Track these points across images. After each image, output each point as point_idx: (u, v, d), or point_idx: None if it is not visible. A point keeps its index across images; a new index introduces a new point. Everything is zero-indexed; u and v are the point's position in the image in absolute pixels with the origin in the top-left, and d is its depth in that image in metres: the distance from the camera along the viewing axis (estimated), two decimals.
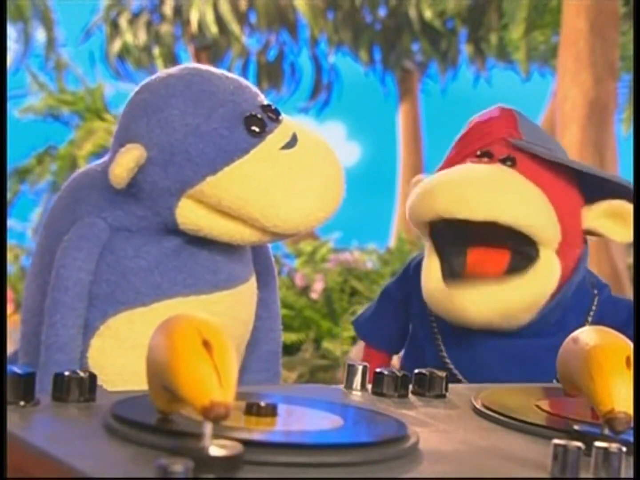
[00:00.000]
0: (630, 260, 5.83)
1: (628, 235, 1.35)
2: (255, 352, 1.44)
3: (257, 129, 1.31)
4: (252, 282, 1.41)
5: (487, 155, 1.39)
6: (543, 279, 1.36)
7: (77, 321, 1.28)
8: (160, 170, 1.28)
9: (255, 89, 1.37)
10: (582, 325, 1.39)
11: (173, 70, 1.36)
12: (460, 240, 1.37)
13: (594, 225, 1.37)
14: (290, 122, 1.36)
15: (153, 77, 1.35)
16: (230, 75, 1.36)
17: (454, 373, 1.43)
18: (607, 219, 1.36)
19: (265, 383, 1.42)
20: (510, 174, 1.35)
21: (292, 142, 1.32)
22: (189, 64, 1.41)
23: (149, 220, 1.32)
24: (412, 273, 1.50)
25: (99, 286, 1.30)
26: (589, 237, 1.44)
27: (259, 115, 1.32)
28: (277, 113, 1.34)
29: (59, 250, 1.30)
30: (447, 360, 1.43)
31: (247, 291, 1.40)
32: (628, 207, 1.34)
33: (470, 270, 1.36)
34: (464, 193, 1.31)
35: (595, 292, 1.45)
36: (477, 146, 1.41)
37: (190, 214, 1.30)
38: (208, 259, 1.34)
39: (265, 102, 1.35)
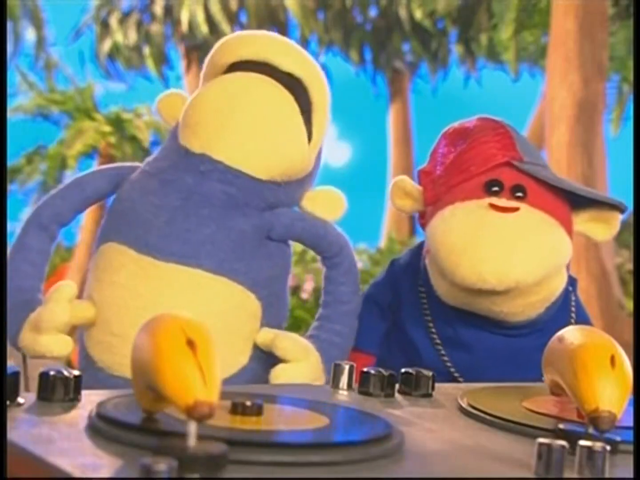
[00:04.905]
0: (618, 260, 5.86)
1: (609, 235, 1.50)
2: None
3: None
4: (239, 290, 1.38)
5: (496, 185, 1.42)
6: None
7: None
8: None
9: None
10: (568, 322, 1.46)
11: None
12: None
13: (582, 228, 1.48)
14: None
15: None
16: None
17: (452, 372, 1.45)
18: (593, 222, 1.48)
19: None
20: (537, 221, 1.40)
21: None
22: None
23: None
24: (400, 275, 1.51)
25: None
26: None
27: None
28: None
29: None
30: (446, 359, 1.44)
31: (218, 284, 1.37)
32: (613, 213, 1.47)
33: None
34: (509, 272, 1.35)
35: (570, 288, 1.51)
36: (481, 169, 1.44)
37: None
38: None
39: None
